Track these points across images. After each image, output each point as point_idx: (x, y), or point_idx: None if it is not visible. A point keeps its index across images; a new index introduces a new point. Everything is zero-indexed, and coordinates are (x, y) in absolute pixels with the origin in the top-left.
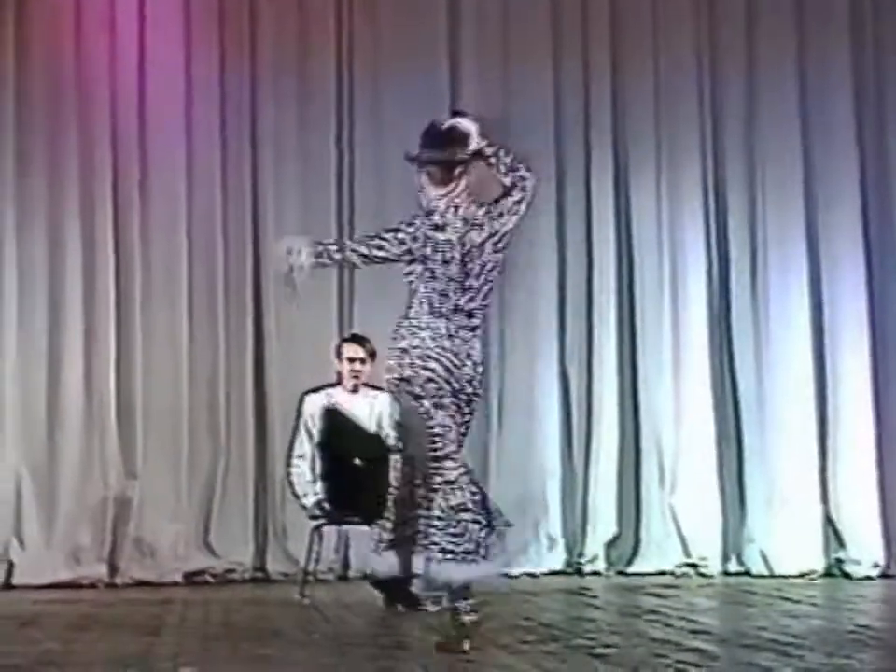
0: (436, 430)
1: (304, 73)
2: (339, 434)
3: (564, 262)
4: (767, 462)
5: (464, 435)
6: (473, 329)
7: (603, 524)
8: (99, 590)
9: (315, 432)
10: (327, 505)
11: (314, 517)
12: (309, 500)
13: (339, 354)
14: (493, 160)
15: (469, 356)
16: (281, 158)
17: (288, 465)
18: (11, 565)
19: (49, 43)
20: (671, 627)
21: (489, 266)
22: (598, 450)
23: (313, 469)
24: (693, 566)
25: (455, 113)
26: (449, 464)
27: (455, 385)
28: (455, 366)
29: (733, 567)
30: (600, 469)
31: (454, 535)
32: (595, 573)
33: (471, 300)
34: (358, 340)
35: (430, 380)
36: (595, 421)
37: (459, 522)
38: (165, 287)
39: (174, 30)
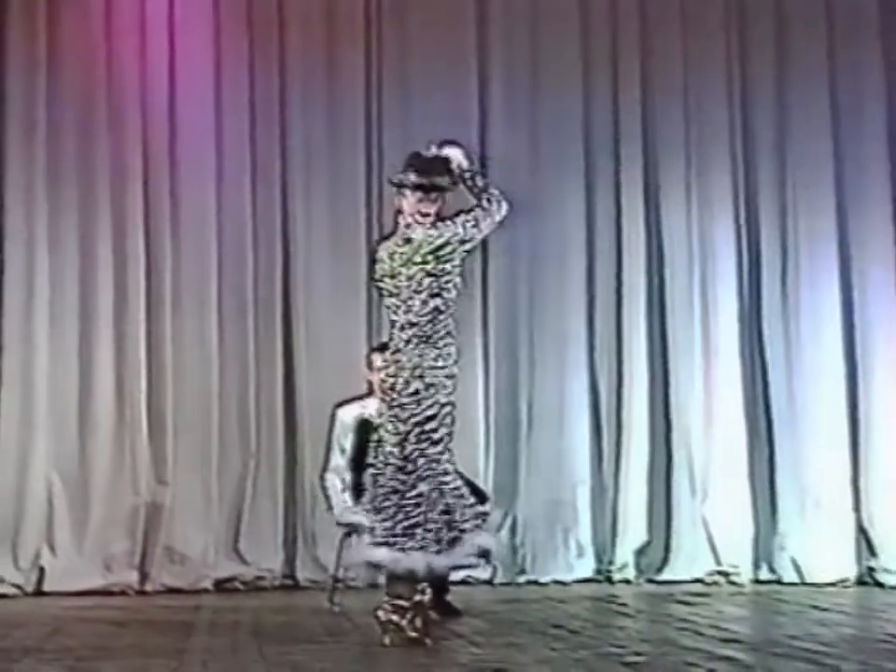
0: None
1: (333, 82)
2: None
3: (593, 272)
4: (799, 469)
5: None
6: (425, 339)
7: (633, 531)
8: (130, 597)
9: (348, 445)
10: (357, 509)
11: (343, 524)
12: (338, 509)
13: (370, 364)
14: (469, 182)
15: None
16: (310, 166)
17: (322, 478)
18: (42, 571)
19: (80, 55)
20: (702, 636)
21: (419, 276)
22: (628, 457)
23: (343, 480)
24: (724, 573)
25: (444, 142)
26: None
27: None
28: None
29: (764, 574)
30: (630, 476)
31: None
32: (625, 581)
33: (407, 311)
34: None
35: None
36: (625, 429)
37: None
38: (195, 294)
39: (203, 40)
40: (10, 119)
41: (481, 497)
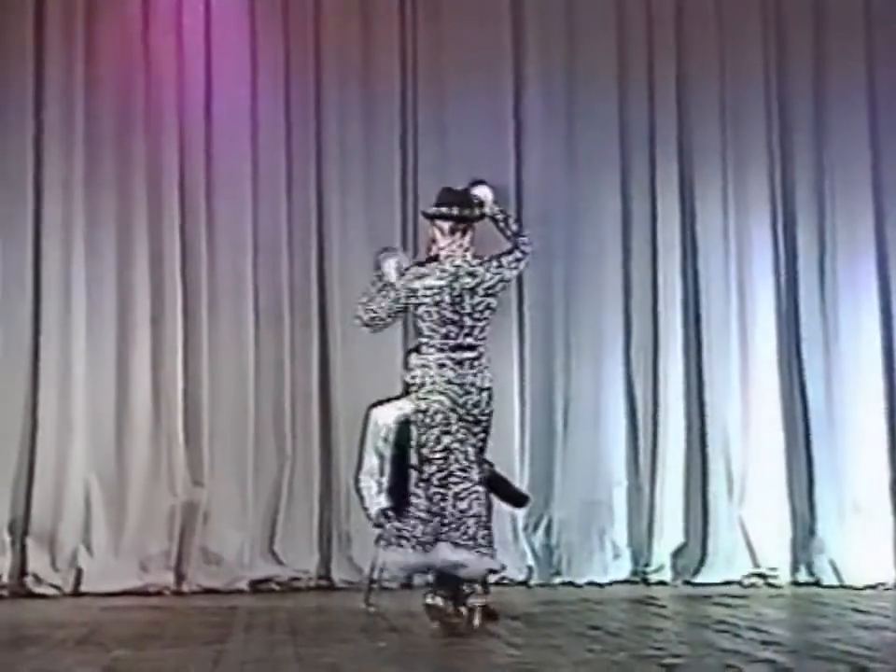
0: (441, 453)
1: (368, 81)
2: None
3: (628, 273)
4: (837, 471)
5: (481, 450)
6: (475, 360)
7: (670, 533)
8: (166, 597)
9: (383, 446)
10: (391, 514)
11: (379, 525)
12: (374, 510)
13: (408, 364)
14: (502, 224)
15: (472, 384)
16: (345, 167)
17: (356, 479)
18: (80, 572)
19: (117, 60)
20: (740, 638)
21: (481, 307)
22: (665, 458)
23: (379, 483)
24: (762, 576)
25: (476, 182)
26: (454, 479)
27: (461, 411)
28: (460, 395)
29: (802, 577)
30: (667, 477)
31: (460, 532)
32: (662, 583)
33: (468, 335)
34: None
35: (438, 411)
36: (661, 429)
37: (463, 522)
38: (231, 296)
39: (239, 43)
40: (48, 124)
41: (517, 499)
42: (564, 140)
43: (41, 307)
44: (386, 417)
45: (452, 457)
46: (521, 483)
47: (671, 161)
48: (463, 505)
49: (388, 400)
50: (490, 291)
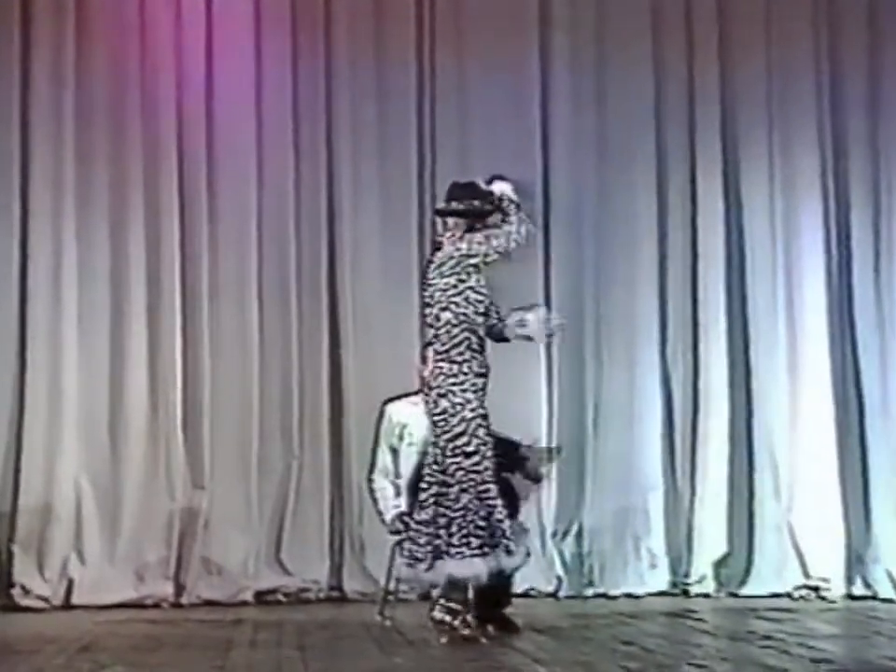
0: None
1: (383, 55)
2: None
3: (665, 258)
4: (895, 473)
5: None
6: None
7: (711, 540)
8: (164, 610)
9: (397, 444)
10: (408, 518)
11: (395, 532)
12: (389, 515)
13: (424, 358)
14: (512, 218)
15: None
16: (358, 144)
17: (369, 479)
18: (71, 582)
19: (111, 30)
20: (789, 655)
21: (430, 292)
22: (705, 460)
23: (394, 483)
24: (813, 588)
25: (493, 178)
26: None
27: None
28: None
29: (857, 589)
30: (708, 480)
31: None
32: (703, 595)
33: (431, 346)
34: None
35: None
36: (700, 428)
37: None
38: (234, 285)
39: (243, 11)
40: (36, 100)
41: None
42: (595, 115)
43: (28, 297)
44: (400, 414)
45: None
46: (548, 487)
47: (713, 141)
48: (461, 503)
49: (404, 396)
50: (436, 299)
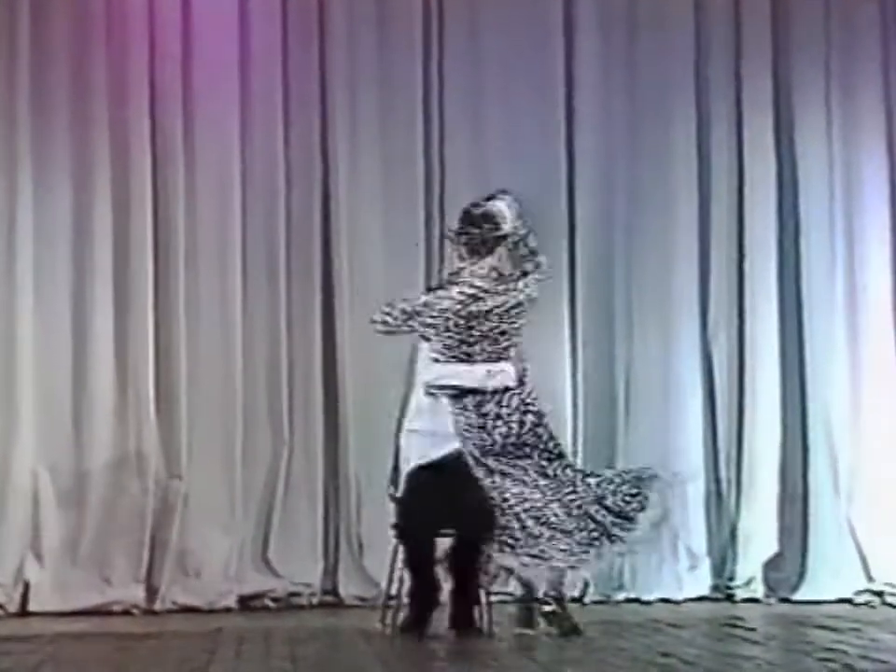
0: None
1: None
2: None
3: (707, 217)
4: None
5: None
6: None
7: (760, 539)
8: (135, 617)
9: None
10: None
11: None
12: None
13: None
14: (520, 243)
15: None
16: (356, 89)
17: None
18: (27, 587)
19: None
20: (851, 669)
21: (498, 331)
22: (753, 448)
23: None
24: (878, 593)
25: (495, 195)
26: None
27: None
28: None
29: None
30: (756, 471)
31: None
32: (751, 600)
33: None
34: None
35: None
36: (747, 411)
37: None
38: (214, 248)
39: None
40: None
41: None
42: (624, 50)
43: None
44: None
45: None
46: None
47: (762, 78)
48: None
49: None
50: (507, 315)
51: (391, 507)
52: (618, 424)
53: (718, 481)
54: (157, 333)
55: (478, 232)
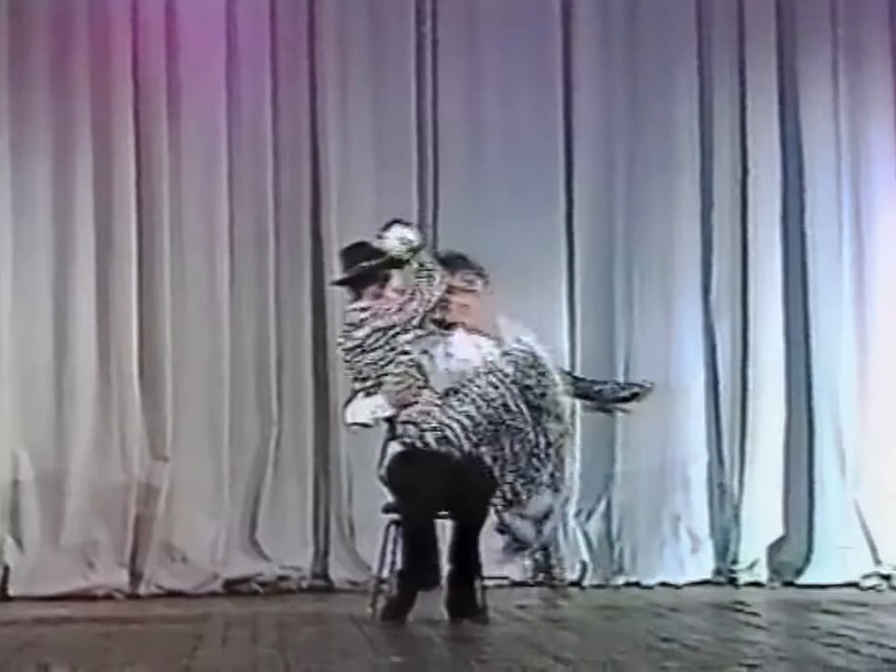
0: None
1: None
2: None
3: (709, 188)
4: None
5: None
6: None
7: (765, 521)
8: (118, 602)
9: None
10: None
11: (389, 510)
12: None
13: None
14: (411, 261)
15: None
16: (346, 53)
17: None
18: (7, 570)
19: None
20: (857, 654)
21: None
22: (756, 426)
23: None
24: (885, 577)
25: (390, 224)
26: None
27: None
28: None
29: None
30: (759, 451)
31: None
32: (755, 584)
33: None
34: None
35: None
36: (751, 389)
37: None
38: (200, 217)
39: None
40: None
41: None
42: (625, 30)
43: None
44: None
45: None
46: (573, 458)
47: (766, 43)
48: None
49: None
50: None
51: (383, 489)
52: None
53: (721, 462)
54: (141, 311)
55: (348, 272)
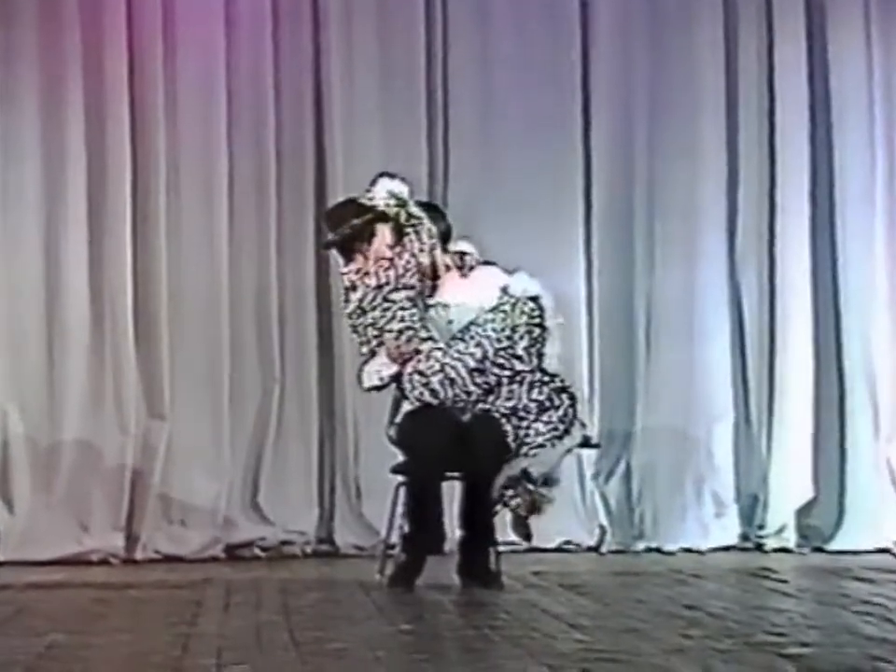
0: None
1: None
2: None
3: (734, 128)
4: None
5: None
6: None
7: (793, 483)
8: (114, 567)
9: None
10: None
11: (397, 471)
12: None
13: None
14: (399, 217)
15: None
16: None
17: None
18: None
19: None
20: (891, 623)
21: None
22: (784, 383)
23: None
24: None
25: (379, 177)
26: None
27: None
28: None
29: None
30: (787, 409)
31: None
32: (783, 550)
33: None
34: None
35: None
36: (779, 343)
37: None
38: (197, 164)
39: None
40: None
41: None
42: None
43: None
44: None
45: None
46: (589, 416)
47: None
48: None
49: None
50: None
51: (392, 449)
52: (638, 361)
53: (748, 421)
54: (135, 259)
55: (333, 234)
